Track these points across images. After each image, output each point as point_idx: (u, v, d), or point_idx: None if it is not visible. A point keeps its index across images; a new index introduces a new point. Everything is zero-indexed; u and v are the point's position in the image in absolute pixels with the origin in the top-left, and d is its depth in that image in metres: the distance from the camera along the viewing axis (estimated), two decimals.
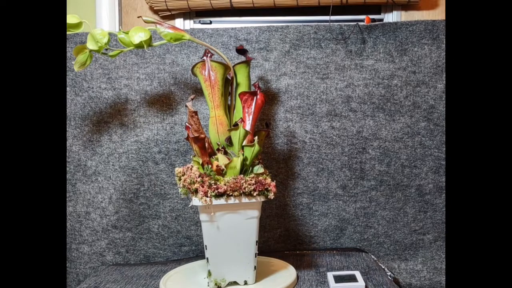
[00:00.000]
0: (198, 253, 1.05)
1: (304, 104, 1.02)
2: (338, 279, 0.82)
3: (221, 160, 0.78)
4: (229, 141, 0.81)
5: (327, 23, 1.02)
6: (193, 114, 0.80)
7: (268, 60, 1.02)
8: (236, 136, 0.80)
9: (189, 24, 1.32)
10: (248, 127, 0.80)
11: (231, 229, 0.78)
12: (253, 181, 0.76)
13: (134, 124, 1.03)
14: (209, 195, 0.74)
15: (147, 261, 1.05)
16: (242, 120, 0.80)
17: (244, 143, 0.80)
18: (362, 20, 1.03)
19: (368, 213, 1.04)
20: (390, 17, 1.28)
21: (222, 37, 1.02)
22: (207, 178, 0.75)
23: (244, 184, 0.75)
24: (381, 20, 1.29)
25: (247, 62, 0.86)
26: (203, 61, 0.82)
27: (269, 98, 1.02)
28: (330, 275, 0.84)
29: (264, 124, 0.99)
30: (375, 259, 1.02)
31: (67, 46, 1.02)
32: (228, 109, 0.87)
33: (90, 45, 0.79)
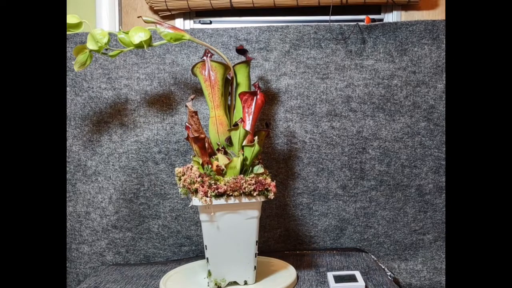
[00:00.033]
0: (198, 253, 1.05)
1: (304, 104, 1.02)
2: (338, 279, 0.82)
3: (221, 160, 0.78)
4: (229, 141, 0.81)
5: (327, 23, 1.02)
6: (193, 114, 0.80)
7: (268, 60, 1.02)
8: (236, 136, 0.80)
9: (189, 24, 1.32)
10: (248, 127, 0.80)
11: (231, 229, 0.78)
12: (253, 181, 0.76)
13: (134, 124, 1.03)
14: (209, 195, 0.74)
15: (147, 261, 1.05)
16: (242, 120, 0.80)
17: (244, 143, 0.80)
18: (362, 20, 1.03)
19: (368, 213, 1.04)
20: (390, 17, 1.28)
21: (222, 37, 1.02)
22: (207, 178, 0.75)
23: (244, 184, 0.75)
24: (381, 20, 1.29)
25: (247, 62, 0.86)
26: (203, 61, 0.82)
27: (269, 98, 1.02)
28: (330, 275, 0.84)
29: (264, 124, 0.99)
30: (375, 259, 1.02)
31: (67, 46, 1.02)
32: (228, 109, 0.87)
33: (90, 45, 0.79)
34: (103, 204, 1.03)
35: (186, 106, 0.91)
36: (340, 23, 1.02)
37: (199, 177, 0.75)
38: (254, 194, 0.76)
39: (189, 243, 1.04)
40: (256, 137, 0.79)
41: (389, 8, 1.28)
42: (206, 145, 0.79)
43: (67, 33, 0.84)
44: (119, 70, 1.02)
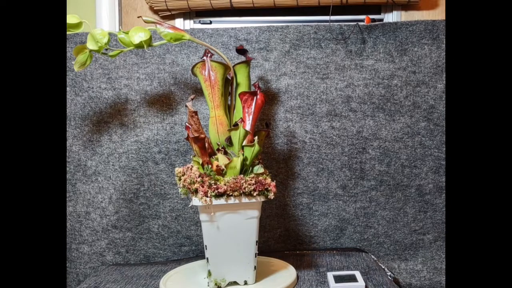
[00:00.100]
0: (198, 253, 1.05)
1: (304, 104, 1.02)
2: (338, 279, 0.82)
3: (221, 160, 0.78)
4: (229, 141, 0.81)
5: (327, 23, 1.02)
6: (193, 114, 0.80)
7: (268, 60, 1.02)
8: (236, 136, 0.80)
9: (189, 24, 1.32)
10: (248, 127, 0.80)
11: (231, 229, 0.78)
12: (253, 181, 0.76)
13: (134, 124, 1.03)
14: (209, 195, 0.74)
15: (147, 261, 1.05)
16: (242, 120, 0.80)
17: (244, 143, 0.80)
18: (362, 20, 1.03)
19: (368, 213, 1.04)
20: (390, 17, 1.28)
21: (222, 37, 1.02)
22: (207, 178, 0.75)
23: (244, 184, 0.75)
24: (381, 20, 1.29)
25: (247, 62, 0.86)
26: (203, 61, 0.82)
27: (269, 98, 1.02)
28: (330, 275, 0.84)
29: (264, 124, 0.99)
30: (375, 259, 1.02)
31: (67, 46, 1.02)
32: (228, 109, 0.87)
33: (90, 45, 0.79)
34: (103, 204, 1.03)
35: (186, 106, 0.91)
36: (340, 23, 1.02)
37: (199, 177, 0.75)
38: (254, 194, 0.76)
39: (189, 243, 1.04)
40: (256, 137, 0.79)
41: (389, 8, 1.28)
42: (206, 145, 0.79)
43: (67, 33, 0.84)
44: (119, 70, 1.02)
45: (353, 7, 1.28)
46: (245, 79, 0.86)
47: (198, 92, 1.02)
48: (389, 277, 0.93)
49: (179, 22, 1.30)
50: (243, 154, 0.79)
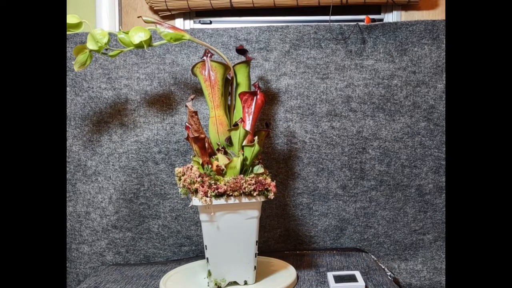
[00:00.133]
0: (198, 253, 1.05)
1: (304, 104, 1.02)
2: (338, 279, 0.82)
3: (221, 160, 0.78)
4: (229, 141, 0.81)
5: (327, 23, 1.02)
6: (193, 114, 0.80)
7: (268, 60, 1.02)
8: (236, 136, 0.80)
9: (189, 24, 1.32)
10: (248, 127, 0.80)
11: (231, 229, 0.78)
12: (253, 181, 0.76)
13: (134, 124, 1.03)
14: (209, 195, 0.74)
15: (147, 261, 1.05)
16: (242, 120, 0.80)
17: (244, 143, 0.80)
18: (362, 20, 1.03)
19: (368, 213, 1.04)
20: (390, 17, 1.28)
21: (222, 37, 1.02)
22: (207, 178, 0.75)
23: (244, 184, 0.75)
24: (381, 20, 1.29)
25: (247, 62, 0.86)
26: (203, 61, 0.82)
27: (269, 98, 1.02)
28: (330, 275, 0.84)
29: (264, 124, 0.99)
30: (375, 259, 1.02)
31: (67, 46, 1.02)
32: (228, 109, 0.87)
33: (90, 45, 0.79)
34: (103, 204, 1.03)
35: (186, 106, 0.91)
36: (340, 23, 1.02)
37: (199, 177, 0.75)
38: (254, 194, 0.76)
39: (189, 243, 1.04)
40: (256, 137, 0.79)
41: (389, 8, 1.28)
42: (206, 145, 0.79)
43: (67, 33, 0.84)
44: (119, 70, 1.02)
45: (353, 7, 1.28)
46: (245, 79, 0.86)
47: (198, 92, 1.02)
48: (389, 277, 0.93)
49: (179, 22, 1.30)
50: (243, 154, 0.79)
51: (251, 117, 0.81)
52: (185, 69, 1.02)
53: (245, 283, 0.81)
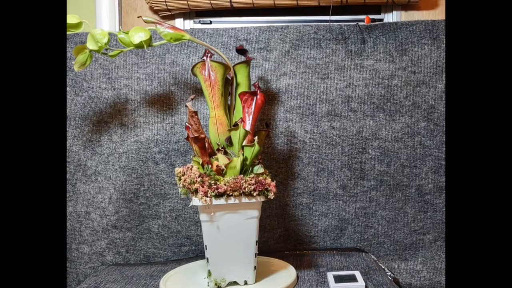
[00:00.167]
0: (198, 253, 1.05)
1: (304, 104, 1.02)
2: (338, 279, 0.82)
3: (221, 160, 0.78)
4: (229, 141, 0.81)
5: (327, 23, 1.02)
6: (193, 114, 0.80)
7: (268, 60, 1.02)
8: (236, 136, 0.80)
9: (189, 24, 1.32)
10: (248, 127, 0.80)
11: (231, 229, 0.78)
12: (253, 181, 0.76)
13: (134, 124, 1.03)
14: (209, 195, 0.74)
15: (147, 261, 1.05)
16: (242, 120, 0.80)
17: (244, 143, 0.80)
18: (362, 20, 1.03)
19: (368, 213, 1.04)
20: (390, 17, 1.28)
21: (222, 37, 1.02)
22: (207, 178, 0.75)
23: (244, 184, 0.75)
24: (381, 20, 1.29)
25: (247, 62, 0.86)
26: (203, 61, 0.82)
27: (269, 98, 1.02)
28: (330, 275, 0.84)
29: (264, 124, 0.99)
30: (375, 259, 1.02)
31: (67, 46, 1.02)
32: (228, 109, 0.87)
33: (90, 45, 0.79)
34: (103, 204, 1.03)
35: (186, 106, 0.91)
36: (340, 23, 1.02)
37: (199, 177, 0.75)
38: (254, 194, 0.76)
39: (189, 243, 1.04)
40: (256, 137, 0.79)
41: (389, 8, 1.28)
42: (206, 145, 0.79)
43: (67, 33, 0.84)
44: (119, 70, 1.02)
45: (353, 7, 1.28)
46: (245, 79, 0.86)
47: (198, 92, 1.02)
48: (389, 277, 0.93)
49: (179, 22, 1.30)
50: (243, 154, 0.79)
51: (251, 117, 0.81)
52: (185, 69, 1.02)
53: (245, 283, 0.81)
